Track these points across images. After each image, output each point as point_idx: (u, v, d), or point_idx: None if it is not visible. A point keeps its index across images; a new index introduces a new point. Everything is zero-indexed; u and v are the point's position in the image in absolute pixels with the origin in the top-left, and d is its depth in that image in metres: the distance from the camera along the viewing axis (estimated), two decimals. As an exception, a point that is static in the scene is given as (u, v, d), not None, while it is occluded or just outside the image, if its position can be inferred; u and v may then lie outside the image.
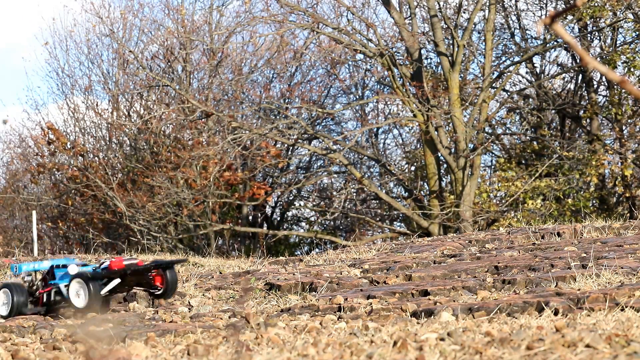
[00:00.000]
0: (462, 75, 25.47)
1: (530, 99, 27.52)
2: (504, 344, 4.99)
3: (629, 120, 25.84)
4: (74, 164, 28.11)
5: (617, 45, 24.92)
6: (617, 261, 8.39)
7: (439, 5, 24.80)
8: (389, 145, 30.76)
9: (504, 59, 26.74)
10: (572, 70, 26.75)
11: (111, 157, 27.88)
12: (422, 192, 27.50)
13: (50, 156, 28.71)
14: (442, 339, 5.29)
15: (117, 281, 7.94)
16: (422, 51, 25.35)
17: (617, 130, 25.58)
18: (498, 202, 25.58)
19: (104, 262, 8.05)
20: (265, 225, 29.69)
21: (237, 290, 8.76)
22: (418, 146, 28.43)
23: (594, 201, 26.01)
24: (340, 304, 7.26)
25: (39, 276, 8.39)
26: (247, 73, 28.10)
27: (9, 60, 49.03)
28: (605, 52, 25.06)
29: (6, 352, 5.98)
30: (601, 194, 25.92)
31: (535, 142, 27.11)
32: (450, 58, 24.43)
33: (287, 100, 28.35)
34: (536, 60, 26.89)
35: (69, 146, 28.37)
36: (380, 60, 24.26)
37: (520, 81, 27.63)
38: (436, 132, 24.30)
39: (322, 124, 29.33)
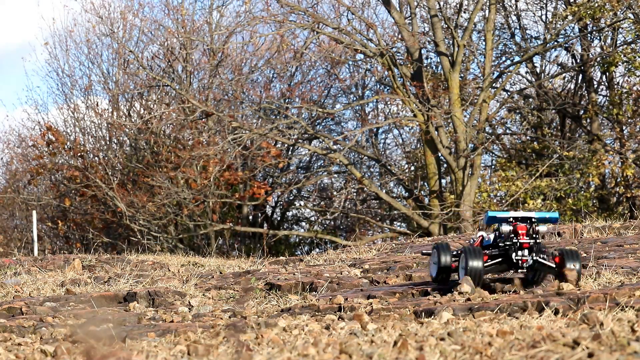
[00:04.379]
0: (462, 75, 25.48)
1: (531, 99, 27.53)
2: (504, 344, 4.99)
3: (629, 120, 25.84)
4: (73, 164, 28.12)
5: (617, 45, 24.92)
6: (617, 261, 8.39)
7: (439, 5, 24.81)
8: (389, 145, 30.77)
9: (504, 58, 26.75)
10: (572, 70, 26.75)
11: (111, 157, 27.89)
12: (422, 192, 27.50)
13: (50, 156, 28.72)
14: (442, 339, 5.29)
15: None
16: (422, 51, 25.36)
17: (618, 130, 25.58)
18: (498, 202, 25.59)
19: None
20: (265, 225, 29.70)
21: (237, 290, 8.77)
22: (418, 146, 28.43)
23: (594, 201, 26.02)
24: (340, 304, 7.26)
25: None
26: (247, 73, 28.11)
27: (12, 60, 49.05)
28: (605, 52, 25.05)
29: (6, 352, 5.99)
30: (601, 193, 25.92)
31: (535, 142, 27.11)
32: (450, 58, 24.42)
33: (287, 100, 28.36)
34: (536, 60, 26.91)
35: (68, 146, 28.38)
36: (381, 60, 24.26)
37: (521, 81, 27.66)
38: (436, 132, 24.30)
39: (322, 124, 29.34)
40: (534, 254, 7.06)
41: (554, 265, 7.08)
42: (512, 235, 7.11)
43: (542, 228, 7.14)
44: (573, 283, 6.94)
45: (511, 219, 7.14)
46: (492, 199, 25.83)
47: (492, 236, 7.28)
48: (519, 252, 7.04)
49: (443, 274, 7.39)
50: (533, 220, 7.13)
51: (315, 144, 27.62)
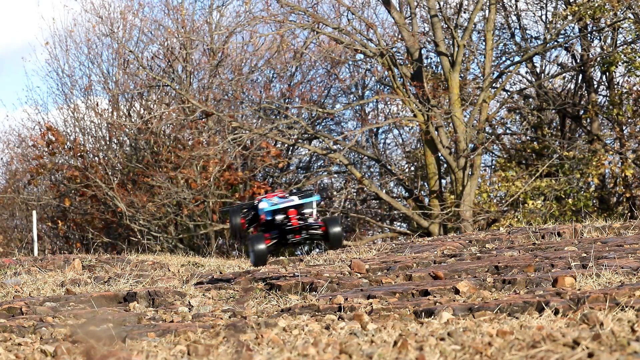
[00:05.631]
0: (462, 75, 25.47)
1: (531, 99, 27.53)
2: (504, 344, 4.99)
3: (629, 120, 25.84)
4: (73, 164, 28.12)
5: (617, 45, 24.92)
6: (617, 261, 8.39)
7: (439, 5, 24.81)
8: (389, 145, 30.78)
9: (504, 58, 26.75)
10: (572, 70, 26.75)
11: (111, 157, 27.89)
12: (422, 192, 27.50)
13: (50, 156, 28.72)
14: (442, 339, 5.29)
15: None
16: (422, 51, 25.36)
17: (618, 130, 25.58)
18: (498, 202, 25.59)
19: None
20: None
21: (237, 290, 8.77)
22: (418, 146, 28.43)
23: (594, 201, 26.02)
24: (340, 304, 7.26)
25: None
26: (247, 73, 28.11)
27: (14, 61, 49.07)
28: (605, 52, 25.05)
29: (6, 352, 5.99)
30: (601, 193, 25.93)
31: (535, 142, 27.11)
32: (450, 58, 24.42)
33: (287, 100, 28.36)
34: (536, 60, 26.91)
35: (68, 146, 28.38)
36: (381, 60, 24.26)
37: (521, 81, 27.66)
38: (436, 132, 24.30)
39: (322, 124, 29.34)
40: (304, 231, 8.55)
41: (321, 232, 8.57)
42: (286, 219, 8.56)
43: (307, 210, 8.61)
44: (337, 244, 8.64)
45: (283, 208, 8.60)
46: (492, 199, 25.83)
47: (270, 205, 8.71)
48: (292, 234, 8.57)
49: (237, 231, 8.83)
50: (300, 205, 8.62)
51: (315, 144, 27.62)
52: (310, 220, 8.62)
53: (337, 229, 8.50)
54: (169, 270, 11.28)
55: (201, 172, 26.17)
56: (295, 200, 8.61)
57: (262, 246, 8.35)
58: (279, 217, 8.53)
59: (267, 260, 8.53)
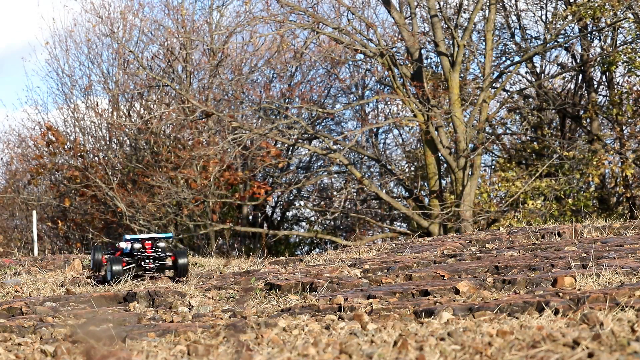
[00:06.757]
0: (462, 75, 25.47)
1: (531, 99, 27.52)
2: (504, 344, 4.99)
3: (629, 120, 25.84)
4: (73, 164, 28.12)
5: (617, 45, 24.92)
6: (617, 261, 8.39)
7: (439, 5, 24.80)
8: (389, 145, 30.77)
9: (504, 58, 26.75)
10: (572, 70, 26.75)
11: (111, 157, 27.89)
12: (422, 192, 27.50)
13: (50, 156, 28.71)
14: (442, 339, 5.29)
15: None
16: (422, 51, 25.35)
17: (618, 130, 25.58)
18: (498, 202, 25.58)
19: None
20: (265, 225, 29.69)
21: (237, 290, 8.77)
22: (418, 146, 28.43)
23: (594, 201, 26.02)
24: (340, 304, 7.27)
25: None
26: (247, 73, 28.10)
27: (15, 61, 49.06)
28: (605, 52, 25.05)
29: (6, 352, 5.99)
30: (601, 193, 25.93)
31: (535, 142, 27.11)
32: (450, 58, 24.42)
33: (287, 100, 28.36)
34: (536, 60, 26.91)
35: (68, 146, 28.37)
36: (381, 60, 24.26)
37: (520, 81, 27.65)
38: (436, 132, 24.30)
39: (322, 124, 29.34)
40: (157, 261, 10.18)
41: (171, 263, 10.20)
42: (142, 249, 10.27)
43: (161, 244, 10.38)
44: (179, 275, 10.12)
45: (141, 239, 10.35)
46: (492, 199, 25.82)
47: (129, 246, 10.34)
48: (146, 260, 10.19)
49: (97, 266, 10.54)
50: (155, 239, 10.42)
51: (315, 144, 27.62)
52: (162, 252, 10.31)
53: (183, 260, 10.09)
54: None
55: (201, 172, 26.17)
56: (152, 234, 10.42)
57: (118, 267, 9.90)
58: (137, 246, 10.24)
59: (121, 278, 9.89)
